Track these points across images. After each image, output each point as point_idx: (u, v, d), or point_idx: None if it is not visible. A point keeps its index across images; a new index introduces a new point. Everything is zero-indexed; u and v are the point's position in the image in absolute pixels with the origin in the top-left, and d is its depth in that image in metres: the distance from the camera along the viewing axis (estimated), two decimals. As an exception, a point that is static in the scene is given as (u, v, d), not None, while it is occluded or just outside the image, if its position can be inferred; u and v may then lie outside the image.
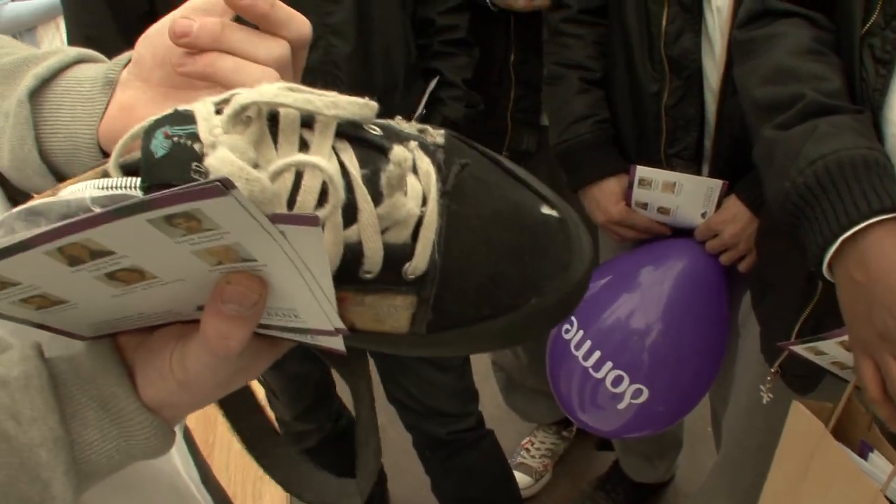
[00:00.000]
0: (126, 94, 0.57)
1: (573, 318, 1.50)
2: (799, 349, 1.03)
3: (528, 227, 0.48)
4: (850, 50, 0.97)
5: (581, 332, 1.49)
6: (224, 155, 0.39)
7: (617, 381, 1.45)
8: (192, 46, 0.52)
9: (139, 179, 0.41)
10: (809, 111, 0.94)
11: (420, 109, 1.58)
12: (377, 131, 0.45)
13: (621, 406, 1.46)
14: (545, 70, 1.63)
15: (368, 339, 0.48)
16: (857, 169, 0.87)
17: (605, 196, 1.56)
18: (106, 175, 0.46)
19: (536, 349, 2.24)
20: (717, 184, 1.45)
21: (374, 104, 0.44)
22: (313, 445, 2.01)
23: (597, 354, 1.46)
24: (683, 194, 1.47)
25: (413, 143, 0.46)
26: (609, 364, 1.45)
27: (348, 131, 0.44)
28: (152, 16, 1.18)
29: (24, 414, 0.47)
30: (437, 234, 0.45)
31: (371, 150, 0.44)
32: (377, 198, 0.43)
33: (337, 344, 0.48)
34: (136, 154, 0.45)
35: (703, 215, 1.47)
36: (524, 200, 0.49)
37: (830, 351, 1.00)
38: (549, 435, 2.53)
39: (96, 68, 0.60)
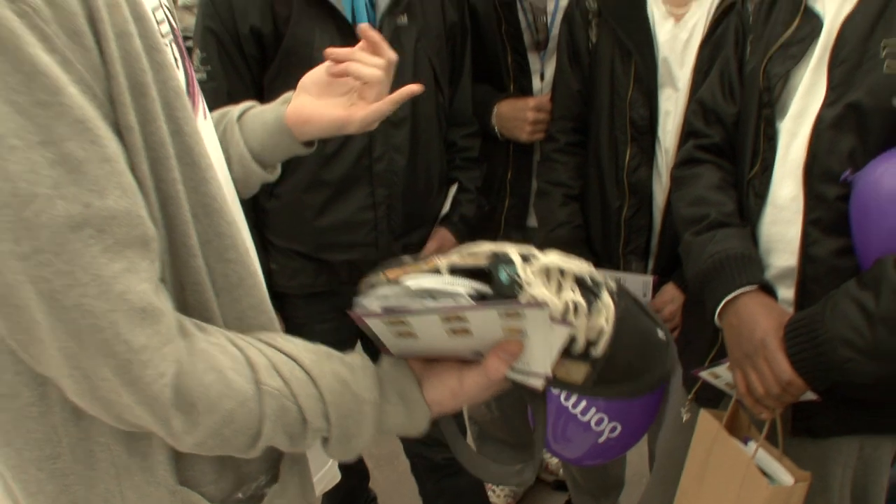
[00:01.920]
0: (298, 100, 1.19)
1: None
2: (704, 374, 1.60)
3: (649, 342, 0.97)
4: (741, 186, 1.57)
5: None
6: (543, 291, 0.84)
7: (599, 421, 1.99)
8: (338, 59, 1.14)
9: (490, 291, 0.84)
10: (713, 225, 1.55)
11: (446, 209, 2.15)
12: (591, 282, 0.88)
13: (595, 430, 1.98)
14: (537, 186, 2.21)
15: (557, 383, 0.94)
16: (737, 260, 1.47)
17: (576, 282, 2.13)
18: (437, 271, 0.86)
19: (507, 406, 2.73)
20: (650, 279, 2.04)
21: (592, 268, 0.89)
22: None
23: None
24: (629, 284, 2.05)
25: (606, 291, 0.90)
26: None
27: (579, 280, 0.88)
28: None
29: (361, 384, 0.91)
30: (610, 338, 0.90)
31: (588, 291, 0.88)
32: (588, 317, 0.88)
33: (538, 384, 0.94)
34: (459, 261, 0.87)
35: (644, 295, 2.05)
36: (649, 327, 0.97)
37: (723, 374, 1.57)
38: (514, 479, 3.00)
39: (269, 106, 1.22)
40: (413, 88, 1.17)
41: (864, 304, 1.29)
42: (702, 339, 1.72)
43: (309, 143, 1.22)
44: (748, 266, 1.47)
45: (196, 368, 0.80)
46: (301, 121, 1.17)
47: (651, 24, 1.96)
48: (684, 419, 1.77)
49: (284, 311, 2.09)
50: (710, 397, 1.70)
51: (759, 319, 1.42)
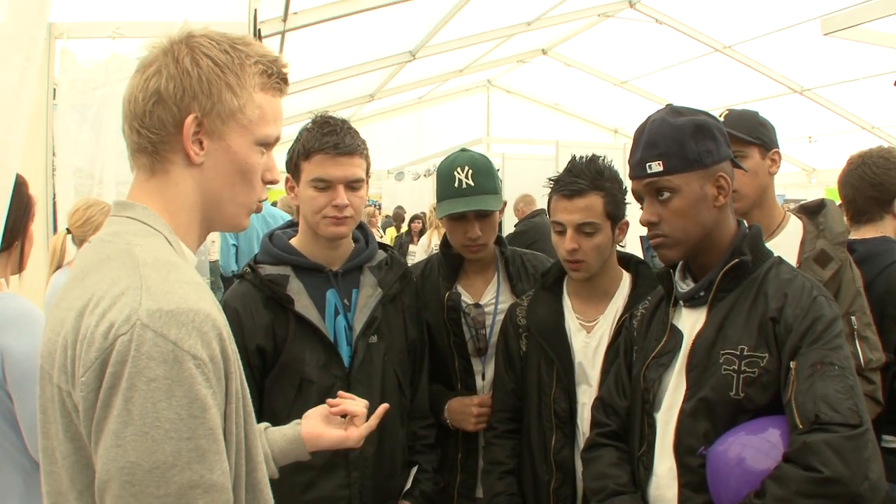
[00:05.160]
0: (309, 423, 1.83)
1: None
2: None
3: None
4: (633, 462, 2.08)
5: None
6: None
7: None
8: (334, 404, 1.82)
9: None
10: (611, 493, 2.05)
11: (408, 485, 2.60)
12: None
13: None
14: (482, 464, 2.70)
15: None
16: (627, 517, 1.95)
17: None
18: None
19: None
20: None
21: None
22: None
23: None
24: None
25: None
26: None
27: None
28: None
29: None
30: None
31: None
32: None
33: None
34: None
35: None
36: None
37: None
38: None
39: (287, 426, 1.84)
40: (385, 406, 1.95)
41: (713, 542, 1.77)
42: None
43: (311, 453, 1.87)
44: (635, 520, 1.96)
45: None
46: (314, 436, 1.84)
47: (568, 335, 2.55)
48: None
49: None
50: None
51: None
